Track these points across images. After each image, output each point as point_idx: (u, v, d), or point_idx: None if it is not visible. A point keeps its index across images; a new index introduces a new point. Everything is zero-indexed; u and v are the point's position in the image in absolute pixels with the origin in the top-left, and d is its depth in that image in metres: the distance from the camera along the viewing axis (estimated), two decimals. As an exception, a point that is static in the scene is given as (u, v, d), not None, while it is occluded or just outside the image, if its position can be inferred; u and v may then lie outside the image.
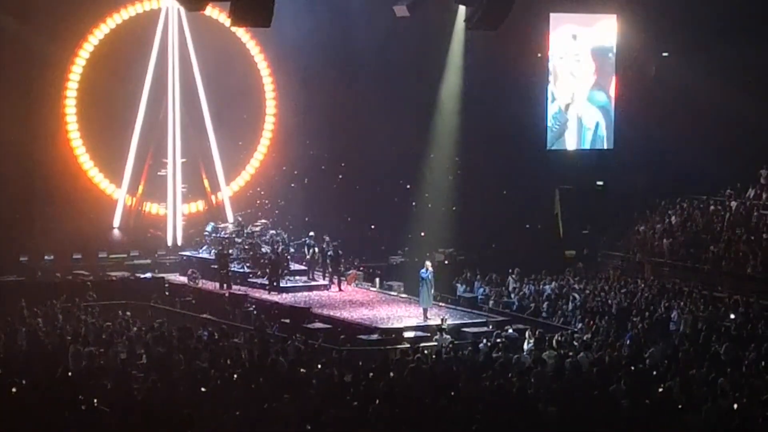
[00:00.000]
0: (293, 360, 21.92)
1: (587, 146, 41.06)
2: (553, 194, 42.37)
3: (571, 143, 40.77)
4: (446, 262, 37.50)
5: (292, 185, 38.83)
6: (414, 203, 39.78)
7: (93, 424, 16.15)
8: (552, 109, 40.29)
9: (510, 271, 34.47)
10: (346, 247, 35.10)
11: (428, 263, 30.08)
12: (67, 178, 36.71)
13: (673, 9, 38.61)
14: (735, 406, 18.34)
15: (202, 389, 18.63)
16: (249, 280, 33.68)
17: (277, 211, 38.18)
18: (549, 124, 40.30)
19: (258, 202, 38.64)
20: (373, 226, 39.17)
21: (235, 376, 20.03)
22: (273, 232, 34.99)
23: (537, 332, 25.96)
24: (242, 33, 38.42)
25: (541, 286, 33.33)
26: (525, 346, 24.84)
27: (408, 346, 25.09)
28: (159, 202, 38.03)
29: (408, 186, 39.79)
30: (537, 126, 40.31)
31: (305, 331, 26.72)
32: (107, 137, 37.16)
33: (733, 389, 19.49)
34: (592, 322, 28.68)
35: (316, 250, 34.34)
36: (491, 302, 32.68)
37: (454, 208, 39.49)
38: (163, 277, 34.45)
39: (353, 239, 37.07)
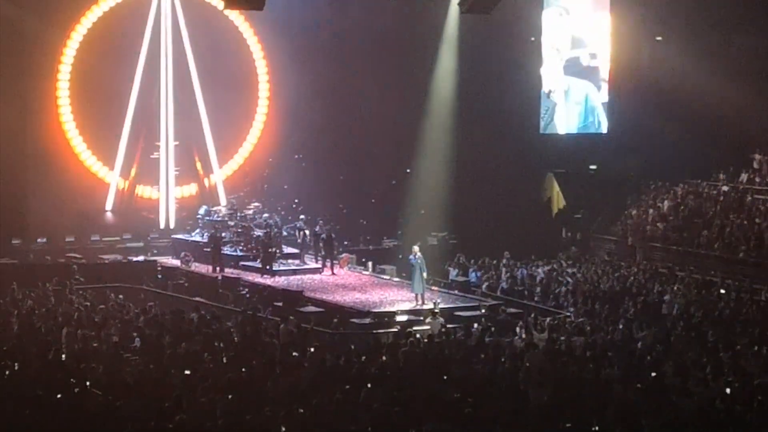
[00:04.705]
0: (285, 343, 21.92)
1: (579, 127, 40.87)
2: (546, 178, 42.41)
3: (561, 127, 40.55)
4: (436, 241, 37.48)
5: (286, 167, 38.72)
6: (407, 186, 39.74)
7: (85, 407, 16.12)
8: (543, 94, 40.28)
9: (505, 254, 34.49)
10: (340, 230, 35.07)
11: (415, 248, 29.93)
12: (60, 161, 36.70)
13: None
14: (728, 390, 18.37)
15: (194, 372, 18.61)
16: (242, 263, 33.64)
17: (266, 187, 38.11)
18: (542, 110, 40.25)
19: (249, 181, 38.58)
20: (364, 221, 39.06)
21: (227, 359, 20.03)
22: (266, 215, 34.93)
23: (529, 316, 25.98)
24: (235, 16, 38.34)
25: (533, 270, 33.32)
26: (517, 330, 24.85)
27: (400, 329, 25.09)
28: (152, 185, 37.99)
29: (401, 170, 39.70)
30: (531, 110, 40.25)
31: (298, 315, 26.67)
32: (100, 120, 37.11)
33: (725, 373, 19.51)
34: (584, 306, 28.67)
35: (307, 233, 34.30)
36: (484, 286, 32.66)
37: (447, 193, 39.42)
38: (155, 260, 34.40)
39: (346, 222, 37.04)
